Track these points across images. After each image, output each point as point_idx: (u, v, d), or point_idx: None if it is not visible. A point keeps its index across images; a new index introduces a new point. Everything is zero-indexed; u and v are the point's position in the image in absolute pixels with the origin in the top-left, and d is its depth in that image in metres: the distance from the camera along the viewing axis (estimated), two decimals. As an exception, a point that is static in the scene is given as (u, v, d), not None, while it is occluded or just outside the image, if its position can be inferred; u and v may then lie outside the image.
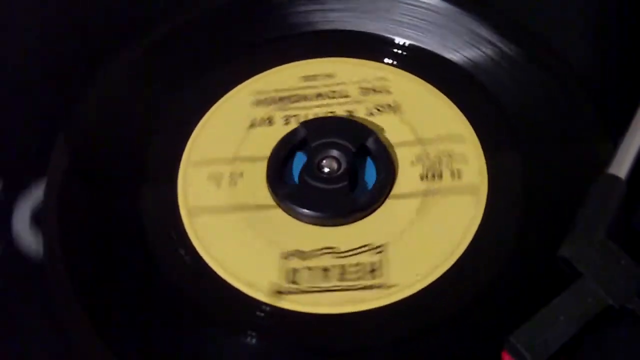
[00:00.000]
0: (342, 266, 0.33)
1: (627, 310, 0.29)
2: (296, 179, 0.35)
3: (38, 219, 0.35)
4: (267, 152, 0.36)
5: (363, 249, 0.33)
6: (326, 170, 0.35)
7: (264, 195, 0.35)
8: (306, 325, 0.31)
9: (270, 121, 0.37)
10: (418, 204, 0.34)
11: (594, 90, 0.37)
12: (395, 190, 0.35)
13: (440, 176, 0.35)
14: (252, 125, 0.37)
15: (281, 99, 0.38)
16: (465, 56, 0.39)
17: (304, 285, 0.32)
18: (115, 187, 0.36)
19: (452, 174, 0.35)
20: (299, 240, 0.33)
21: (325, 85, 0.38)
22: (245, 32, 0.41)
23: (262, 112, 0.37)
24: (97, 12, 0.42)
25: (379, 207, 0.34)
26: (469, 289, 0.32)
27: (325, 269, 0.32)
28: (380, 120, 0.37)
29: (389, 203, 0.34)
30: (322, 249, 0.33)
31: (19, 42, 0.42)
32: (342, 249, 0.33)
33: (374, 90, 0.38)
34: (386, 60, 0.39)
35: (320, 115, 0.37)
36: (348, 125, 0.36)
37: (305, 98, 0.38)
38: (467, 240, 0.33)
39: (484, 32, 0.39)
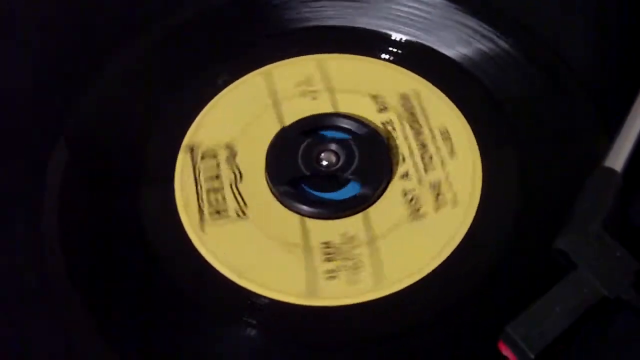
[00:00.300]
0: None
1: (622, 301, 0.29)
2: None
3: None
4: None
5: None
6: (324, 163, 0.36)
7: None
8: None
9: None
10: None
11: (590, 87, 0.37)
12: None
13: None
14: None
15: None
16: (462, 53, 0.39)
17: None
18: (114, 186, 0.36)
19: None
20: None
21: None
22: (243, 31, 0.41)
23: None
24: (96, 13, 0.42)
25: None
26: (466, 281, 0.32)
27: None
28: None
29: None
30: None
31: (18, 43, 0.41)
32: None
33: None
34: (383, 55, 0.39)
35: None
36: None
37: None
38: (463, 231, 0.33)
39: (482, 29, 0.39)
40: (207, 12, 0.42)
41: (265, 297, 0.32)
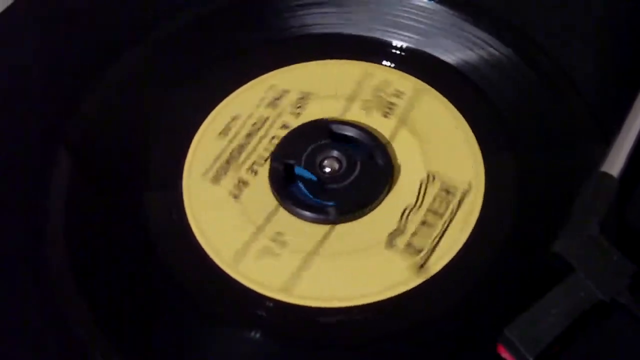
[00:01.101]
0: (429, 209, 0.35)
1: (618, 304, 0.30)
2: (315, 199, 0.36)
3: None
4: (273, 203, 0.36)
5: (423, 188, 0.35)
6: (328, 170, 0.36)
7: (314, 230, 0.35)
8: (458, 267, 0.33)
9: (243, 182, 0.37)
10: (407, 131, 0.37)
11: (588, 93, 0.38)
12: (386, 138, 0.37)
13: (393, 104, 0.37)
14: (235, 196, 0.37)
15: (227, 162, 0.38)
16: (461, 59, 0.40)
17: (428, 245, 0.34)
18: (119, 189, 0.37)
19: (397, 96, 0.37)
20: (379, 228, 0.34)
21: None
22: (243, 37, 0.42)
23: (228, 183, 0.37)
24: (99, 16, 0.43)
25: (392, 158, 0.36)
26: (463, 284, 0.33)
27: (424, 222, 0.34)
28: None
29: (393, 149, 0.36)
30: (401, 216, 0.34)
31: (20, 46, 0.42)
32: (413, 202, 0.35)
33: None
34: (384, 62, 0.40)
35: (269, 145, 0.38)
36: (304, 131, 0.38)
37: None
38: (464, 236, 0.34)
39: (481, 35, 0.40)
40: (208, 15, 0.42)
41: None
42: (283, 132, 0.38)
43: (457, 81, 0.39)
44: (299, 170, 0.36)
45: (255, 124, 0.38)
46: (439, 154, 0.36)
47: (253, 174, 0.37)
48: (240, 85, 0.40)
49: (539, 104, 0.38)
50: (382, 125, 0.37)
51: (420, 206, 0.35)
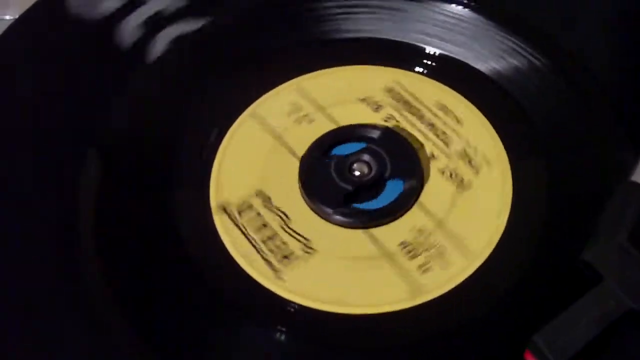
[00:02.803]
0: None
1: (648, 314, 0.30)
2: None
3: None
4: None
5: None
6: (357, 173, 0.36)
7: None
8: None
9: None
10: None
11: (619, 102, 0.38)
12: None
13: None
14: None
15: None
16: (494, 67, 0.40)
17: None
18: (149, 191, 0.37)
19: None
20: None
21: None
22: (275, 40, 0.42)
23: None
24: (129, 16, 0.43)
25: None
26: (493, 292, 0.33)
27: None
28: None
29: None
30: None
31: (50, 47, 0.42)
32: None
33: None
34: (417, 69, 0.40)
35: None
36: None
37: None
38: (492, 244, 0.34)
39: (514, 44, 0.40)
40: (238, 16, 0.43)
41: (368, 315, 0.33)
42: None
43: (489, 89, 0.39)
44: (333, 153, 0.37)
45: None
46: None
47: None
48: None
49: (571, 114, 0.38)
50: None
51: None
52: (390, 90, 0.39)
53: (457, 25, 0.41)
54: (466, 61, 0.40)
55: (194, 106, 0.39)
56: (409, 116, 0.38)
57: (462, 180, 0.36)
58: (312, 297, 0.33)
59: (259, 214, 0.36)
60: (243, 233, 0.35)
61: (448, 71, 0.40)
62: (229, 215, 0.36)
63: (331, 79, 0.40)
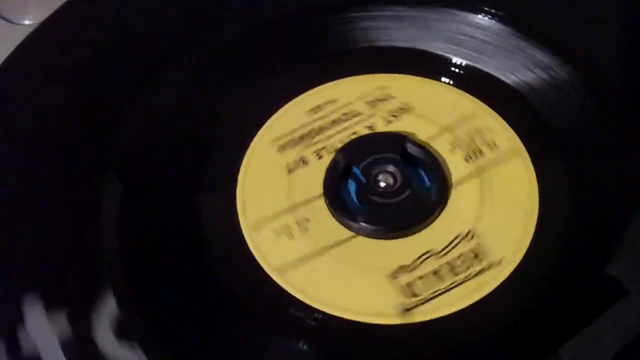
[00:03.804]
0: (448, 263, 0.34)
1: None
2: (357, 204, 0.36)
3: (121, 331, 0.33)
4: (318, 190, 0.37)
5: (456, 241, 0.35)
6: (383, 185, 0.36)
7: (338, 229, 0.35)
8: (447, 325, 0.33)
9: (303, 161, 0.38)
10: (477, 182, 0.36)
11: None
12: (452, 179, 0.36)
13: (481, 152, 0.37)
14: (290, 170, 0.38)
15: (302, 137, 0.39)
16: (519, 78, 0.40)
17: (426, 294, 0.33)
18: (173, 199, 0.37)
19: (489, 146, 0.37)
20: (394, 257, 0.34)
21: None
22: (303, 48, 0.42)
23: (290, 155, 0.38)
24: (153, 22, 0.43)
25: (447, 199, 0.36)
26: (517, 305, 0.33)
27: (435, 272, 0.34)
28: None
29: (453, 192, 0.36)
30: (420, 256, 0.34)
31: (73, 50, 0.42)
32: (439, 249, 0.34)
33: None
34: (443, 79, 0.40)
35: (347, 138, 0.38)
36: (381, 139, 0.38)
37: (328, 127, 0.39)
38: (517, 259, 0.34)
39: (539, 55, 0.40)
40: (265, 26, 0.43)
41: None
42: (365, 132, 0.38)
43: (515, 101, 0.39)
44: (355, 170, 0.37)
45: (346, 114, 0.39)
46: (493, 219, 0.35)
47: (317, 157, 0.38)
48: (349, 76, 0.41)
49: (597, 127, 0.38)
50: (457, 166, 0.37)
51: (442, 256, 0.34)
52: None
53: (482, 36, 0.41)
54: (491, 72, 0.40)
55: (219, 115, 0.40)
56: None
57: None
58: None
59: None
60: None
61: (473, 82, 0.40)
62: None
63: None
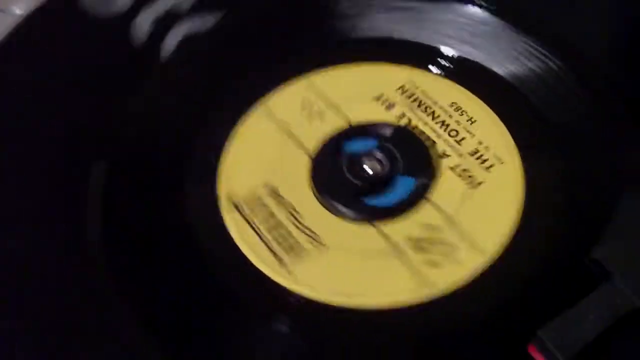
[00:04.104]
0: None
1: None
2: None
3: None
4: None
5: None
6: (369, 171, 0.36)
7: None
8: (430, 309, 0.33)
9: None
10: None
11: (636, 105, 0.37)
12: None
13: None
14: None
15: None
16: (509, 69, 0.40)
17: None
18: (156, 184, 0.37)
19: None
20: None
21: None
22: (289, 39, 0.42)
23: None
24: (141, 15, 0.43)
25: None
26: (502, 289, 0.33)
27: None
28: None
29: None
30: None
31: (60, 45, 0.42)
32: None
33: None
34: (434, 70, 0.40)
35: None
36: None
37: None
38: (503, 243, 0.34)
39: (530, 46, 0.40)
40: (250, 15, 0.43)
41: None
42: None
43: (504, 92, 0.39)
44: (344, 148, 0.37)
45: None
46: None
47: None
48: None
49: (587, 118, 0.38)
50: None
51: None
52: (404, 89, 0.39)
53: (474, 27, 0.41)
54: (482, 63, 0.40)
55: (205, 101, 0.40)
56: (422, 115, 0.38)
57: (473, 179, 0.36)
58: (319, 290, 0.33)
59: (268, 208, 0.36)
60: (252, 226, 0.35)
61: (464, 73, 0.40)
62: (237, 208, 0.36)
63: (345, 77, 0.40)
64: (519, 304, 0.32)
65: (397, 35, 0.42)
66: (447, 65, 0.40)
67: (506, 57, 0.40)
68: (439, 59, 0.40)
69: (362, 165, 0.36)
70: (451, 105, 0.38)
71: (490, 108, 0.38)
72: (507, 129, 0.37)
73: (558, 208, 0.35)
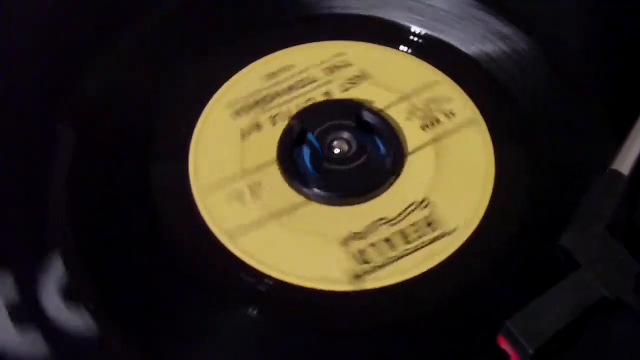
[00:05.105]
0: (401, 231, 0.34)
1: (623, 303, 0.30)
2: (312, 171, 0.36)
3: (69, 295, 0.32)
4: (272, 155, 0.36)
5: (410, 209, 0.34)
6: (337, 151, 0.36)
7: (291, 195, 0.35)
8: (398, 293, 0.32)
9: (258, 126, 0.37)
10: (433, 152, 0.36)
11: (603, 87, 0.38)
12: (408, 148, 0.36)
13: (438, 121, 0.37)
14: (243, 135, 0.37)
15: (257, 103, 0.38)
16: (479, 49, 0.39)
17: (378, 261, 0.33)
18: (125, 163, 0.37)
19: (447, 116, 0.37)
20: (347, 224, 0.34)
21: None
22: (263, 14, 0.42)
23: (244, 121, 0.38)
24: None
25: (402, 168, 0.36)
26: (469, 275, 0.33)
27: (388, 240, 0.34)
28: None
29: (409, 161, 0.36)
30: (374, 223, 0.34)
31: (22, 21, 0.41)
32: (392, 217, 0.34)
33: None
34: (402, 47, 0.40)
35: (302, 105, 0.38)
36: (337, 106, 0.38)
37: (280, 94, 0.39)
38: (471, 228, 0.34)
39: (499, 26, 0.40)
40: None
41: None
42: (322, 99, 0.38)
43: (474, 72, 0.39)
44: (310, 137, 0.36)
45: (302, 80, 0.39)
46: (448, 188, 0.35)
47: (272, 123, 0.37)
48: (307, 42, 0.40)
49: (554, 98, 0.38)
50: (413, 135, 0.37)
51: (395, 224, 0.34)
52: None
53: (442, 5, 0.41)
54: (450, 42, 0.40)
55: (175, 80, 0.39)
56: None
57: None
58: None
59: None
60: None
61: (433, 52, 0.40)
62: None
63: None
64: (486, 291, 0.32)
65: (365, 12, 0.41)
66: (416, 42, 0.40)
67: (475, 37, 0.40)
68: (408, 37, 0.40)
69: (331, 147, 0.36)
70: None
71: (460, 86, 0.38)
72: (478, 110, 0.37)
73: (526, 193, 0.35)
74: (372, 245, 0.33)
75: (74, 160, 0.36)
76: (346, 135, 0.36)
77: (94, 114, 0.38)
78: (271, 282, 0.33)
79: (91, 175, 0.36)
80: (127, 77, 0.39)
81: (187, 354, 0.32)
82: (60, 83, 0.38)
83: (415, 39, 0.40)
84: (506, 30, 0.40)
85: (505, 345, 0.29)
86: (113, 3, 0.42)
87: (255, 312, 0.32)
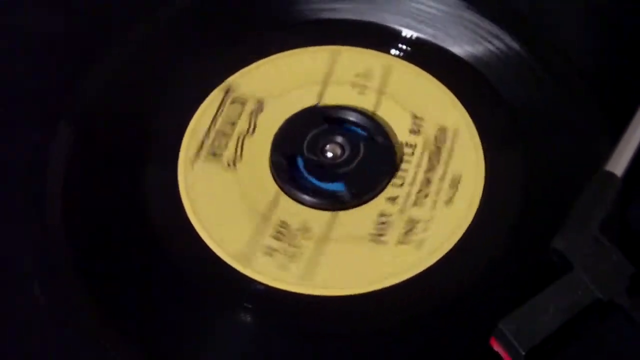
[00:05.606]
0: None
1: (616, 305, 0.29)
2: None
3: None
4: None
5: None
6: (330, 155, 0.36)
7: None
8: (389, 296, 0.32)
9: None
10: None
11: (597, 90, 0.37)
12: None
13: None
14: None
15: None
16: (469, 51, 0.39)
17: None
18: (117, 168, 0.36)
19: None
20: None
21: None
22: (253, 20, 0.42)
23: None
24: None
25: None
26: (463, 277, 0.33)
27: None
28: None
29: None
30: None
31: (22, 20, 0.41)
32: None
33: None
34: (392, 51, 0.40)
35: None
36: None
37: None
38: (462, 230, 0.34)
39: (490, 27, 0.40)
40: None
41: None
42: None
43: (465, 74, 0.39)
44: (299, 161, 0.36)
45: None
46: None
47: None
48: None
49: (547, 99, 0.38)
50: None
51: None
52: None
53: (433, 8, 0.41)
54: (442, 45, 0.40)
55: (168, 84, 0.39)
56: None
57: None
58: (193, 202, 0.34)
59: (240, 113, 0.37)
60: (215, 115, 0.36)
61: (421, 54, 0.39)
62: (224, 96, 0.37)
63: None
64: (479, 294, 0.32)
65: (355, 17, 0.41)
66: (406, 47, 0.40)
67: (466, 38, 0.40)
68: (398, 41, 0.40)
69: (323, 150, 0.36)
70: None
71: (450, 90, 0.38)
72: (467, 114, 0.37)
73: (520, 196, 0.35)
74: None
75: (71, 160, 0.36)
76: (338, 138, 0.36)
77: (93, 115, 0.38)
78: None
79: (88, 177, 0.36)
80: (127, 78, 0.39)
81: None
82: (60, 83, 0.38)
83: (405, 42, 0.40)
84: (496, 30, 0.40)
85: (497, 347, 0.29)
86: (113, 3, 0.42)
87: (248, 317, 0.32)
